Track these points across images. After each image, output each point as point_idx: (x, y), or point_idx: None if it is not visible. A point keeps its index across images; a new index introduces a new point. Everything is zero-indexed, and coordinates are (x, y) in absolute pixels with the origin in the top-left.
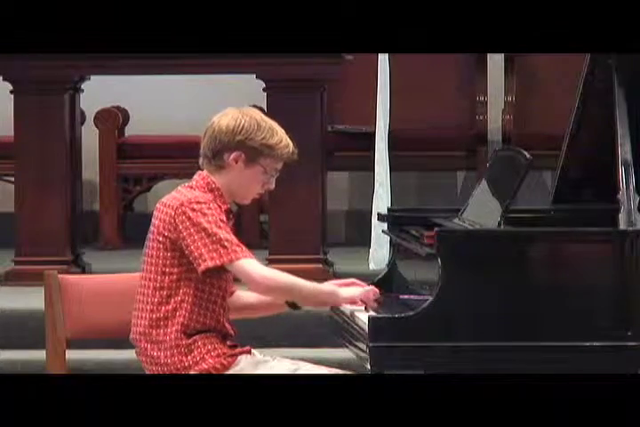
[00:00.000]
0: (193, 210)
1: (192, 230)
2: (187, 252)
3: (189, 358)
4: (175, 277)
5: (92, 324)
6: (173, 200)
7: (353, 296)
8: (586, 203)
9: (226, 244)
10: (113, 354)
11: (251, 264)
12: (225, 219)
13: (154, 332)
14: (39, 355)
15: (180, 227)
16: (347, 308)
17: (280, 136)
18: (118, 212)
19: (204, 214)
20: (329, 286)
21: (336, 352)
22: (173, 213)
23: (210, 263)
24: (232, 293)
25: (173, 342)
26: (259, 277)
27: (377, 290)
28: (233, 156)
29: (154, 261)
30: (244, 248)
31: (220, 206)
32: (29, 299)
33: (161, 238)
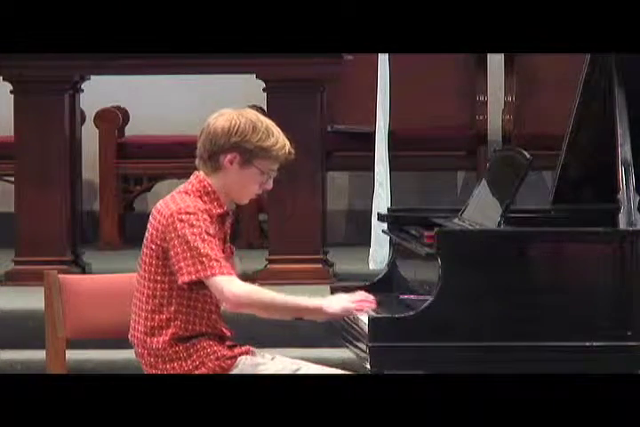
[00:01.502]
0: (181, 221)
1: (176, 242)
2: (171, 262)
3: (189, 362)
4: (167, 285)
5: (91, 324)
6: (166, 209)
7: (339, 313)
8: (586, 203)
9: (204, 259)
10: (113, 354)
11: (224, 281)
12: (214, 229)
13: (148, 340)
14: (39, 355)
15: (167, 237)
16: None
17: (276, 138)
18: (118, 212)
19: (191, 226)
20: (313, 301)
21: (336, 352)
22: (165, 223)
23: (186, 278)
24: None
25: (169, 349)
26: (230, 294)
27: (370, 298)
28: (228, 157)
29: (147, 268)
30: (222, 264)
31: (211, 215)
32: (29, 299)
33: (154, 247)
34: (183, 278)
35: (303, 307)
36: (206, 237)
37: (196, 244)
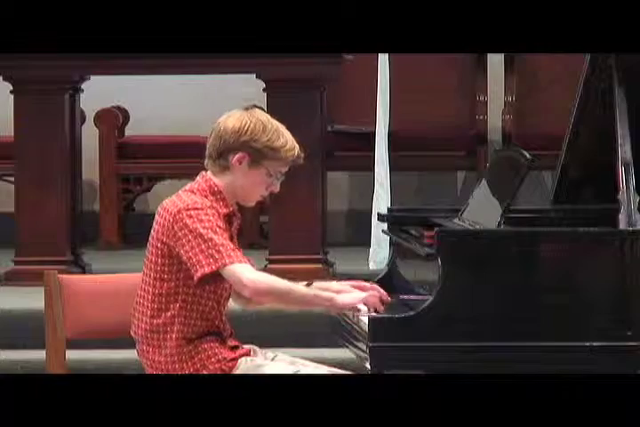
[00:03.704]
0: (190, 216)
1: (190, 237)
2: (184, 258)
3: (190, 364)
4: (173, 283)
5: (91, 324)
6: (172, 206)
7: (352, 303)
8: (586, 203)
9: (221, 248)
10: (113, 354)
11: (242, 269)
12: (223, 224)
13: (155, 336)
14: (39, 355)
15: (179, 234)
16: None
17: (286, 139)
18: (118, 212)
19: (201, 220)
20: (326, 293)
21: (336, 352)
22: (172, 220)
23: (206, 269)
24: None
25: (174, 349)
26: (248, 281)
27: (382, 293)
28: (237, 157)
29: (152, 266)
30: (239, 253)
31: (218, 212)
32: (29, 299)
33: (159, 245)
34: (203, 270)
35: (317, 296)
36: (218, 229)
37: (209, 236)
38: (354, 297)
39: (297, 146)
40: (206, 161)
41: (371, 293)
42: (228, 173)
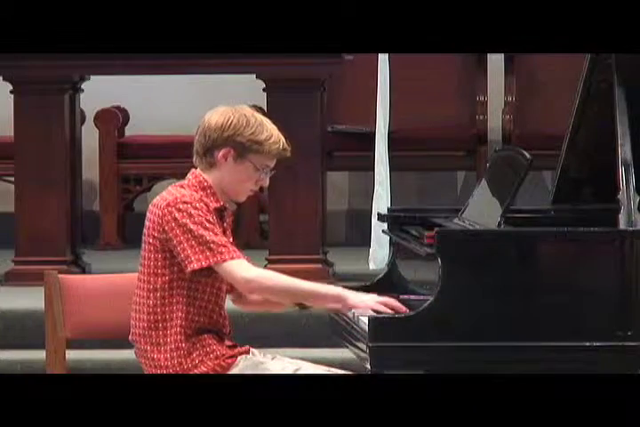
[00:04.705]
0: (179, 210)
1: (178, 231)
2: (174, 252)
3: (188, 360)
4: (167, 278)
5: (92, 324)
6: (161, 200)
7: (366, 305)
8: (586, 203)
9: (212, 246)
10: (112, 354)
11: (235, 266)
12: (213, 218)
13: (153, 333)
14: (39, 355)
15: (167, 228)
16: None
17: (270, 132)
18: (118, 212)
19: (190, 215)
20: (333, 288)
21: (336, 352)
22: (160, 214)
23: (196, 265)
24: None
25: (174, 344)
26: (241, 279)
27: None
28: (222, 152)
29: (146, 262)
30: (231, 248)
31: (208, 206)
32: (29, 299)
33: (151, 240)
34: (192, 266)
35: (321, 293)
36: (208, 225)
37: (199, 232)
38: (364, 302)
39: (282, 139)
40: (194, 158)
41: (385, 299)
42: (216, 170)
